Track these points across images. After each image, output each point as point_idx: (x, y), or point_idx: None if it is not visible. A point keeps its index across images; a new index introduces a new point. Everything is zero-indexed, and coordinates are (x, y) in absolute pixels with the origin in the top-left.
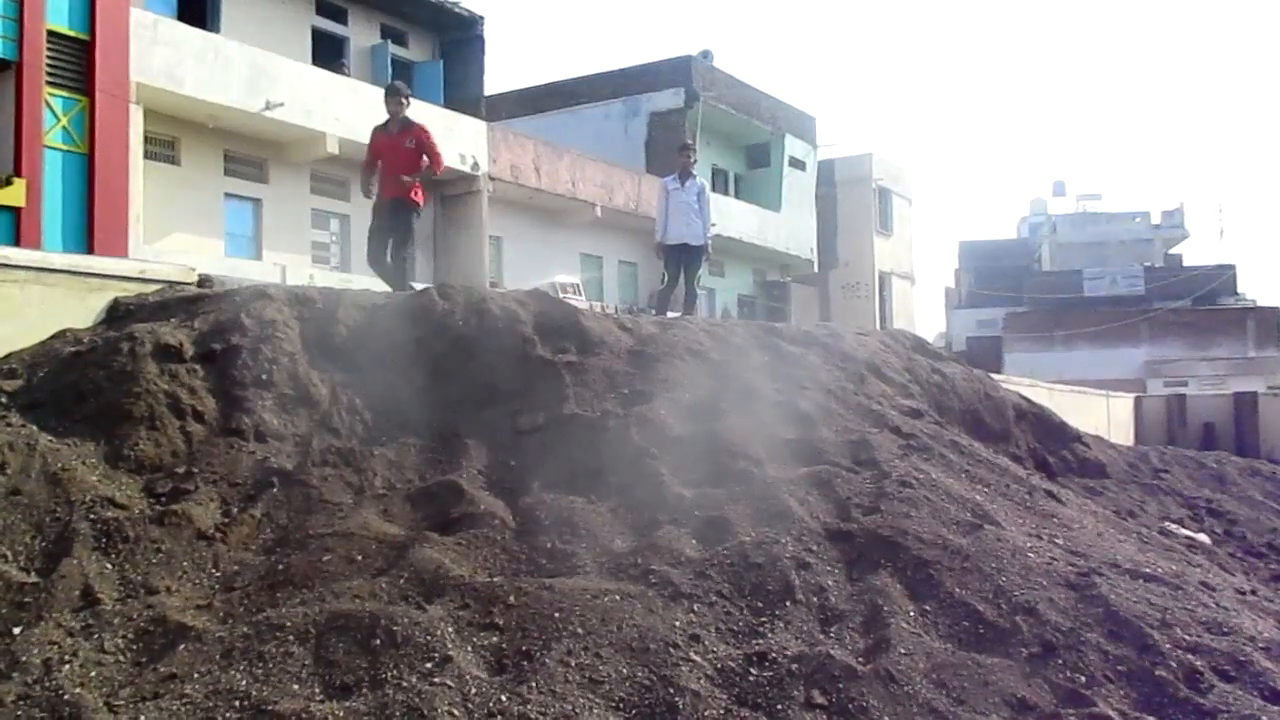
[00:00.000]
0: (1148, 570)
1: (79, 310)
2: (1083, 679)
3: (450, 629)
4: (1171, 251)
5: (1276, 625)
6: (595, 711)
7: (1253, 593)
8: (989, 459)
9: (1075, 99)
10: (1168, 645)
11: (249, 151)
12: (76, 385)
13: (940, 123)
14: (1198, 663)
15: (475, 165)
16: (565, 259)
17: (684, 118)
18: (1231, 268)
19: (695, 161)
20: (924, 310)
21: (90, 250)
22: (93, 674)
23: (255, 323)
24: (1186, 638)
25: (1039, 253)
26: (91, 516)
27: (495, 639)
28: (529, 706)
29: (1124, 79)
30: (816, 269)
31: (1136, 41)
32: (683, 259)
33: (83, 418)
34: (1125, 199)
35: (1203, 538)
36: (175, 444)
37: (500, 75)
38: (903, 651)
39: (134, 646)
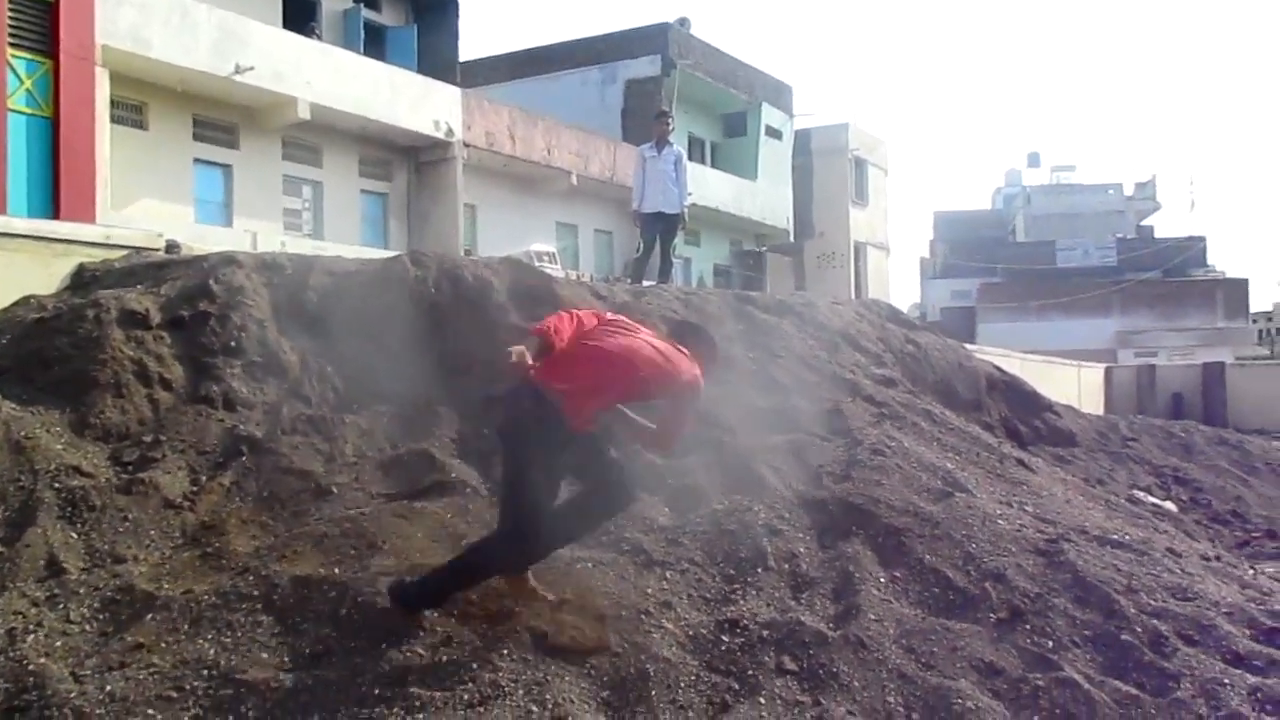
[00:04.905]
0: (1115, 537)
1: (43, 276)
2: (1050, 644)
3: None
4: (1143, 223)
5: (1239, 590)
6: (566, 679)
7: (1217, 559)
8: (961, 427)
9: (1050, 71)
10: (1133, 610)
11: (219, 116)
12: (41, 352)
13: (916, 94)
14: (1162, 627)
15: (450, 132)
16: (541, 227)
17: (660, 85)
18: (1202, 239)
19: (673, 129)
20: (899, 280)
21: (56, 216)
22: (58, 644)
23: (224, 289)
24: (1152, 603)
25: (1013, 224)
26: (56, 485)
27: (467, 606)
28: (500, 674)
29: (1098, 52)
30: (792, 239)
31: (1111, 15)
32: (659, 227)
33: (47, 385)
34: (1098, 171)
35: (1169, 505)
36: (142, 412)
37: (475, 41)
38: (873, 618)
39: (100, 616)
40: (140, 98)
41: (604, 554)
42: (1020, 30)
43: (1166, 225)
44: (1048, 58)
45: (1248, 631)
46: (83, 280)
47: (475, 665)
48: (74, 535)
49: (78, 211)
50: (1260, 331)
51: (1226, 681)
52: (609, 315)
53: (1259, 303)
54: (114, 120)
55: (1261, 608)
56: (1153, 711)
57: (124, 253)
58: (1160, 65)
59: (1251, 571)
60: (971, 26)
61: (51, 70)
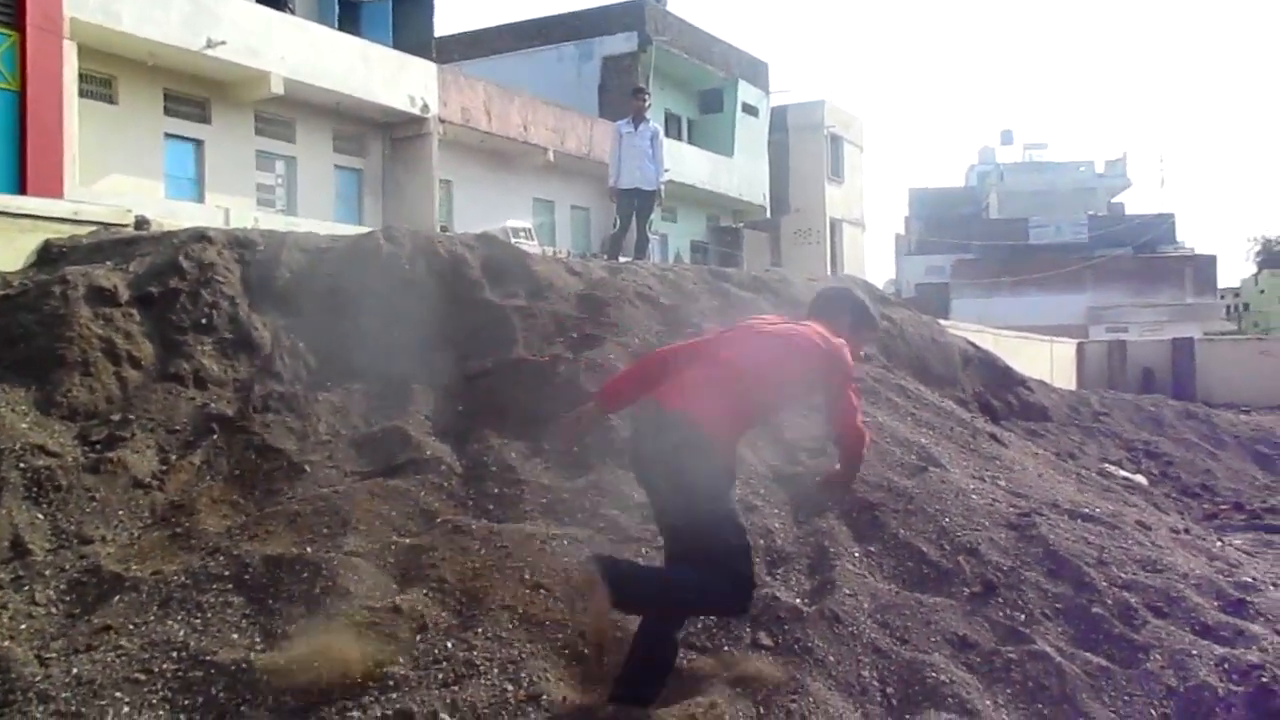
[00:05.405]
0: (1086, 510)
1: (8, 252)
2: (1022, 617)
3: (395, 575)
4: (1114, 200)
5: (1208, 562)
6: (541, 656)
7: (1186, 531)
8: (935, 403)
9: (1023, 49)
10: (1104, 583)
11: (190, 91)
12: (6, 330)
13: (892, 72)
14: (1132, 599)
15: (425, 108)
16: (517, 203)
17: (637, 62)
18: (1171, 216)
19: (649, 106)
20: (874, 257)
21: (23, 191)
22: (23, 627)
23: (194, 266)
24: (1122, 575)
25: (987, 201)
26: (21, 465)
27: (441, 585)
28: (475, 653)
29: (1070, 30)
30: (768, 215)
31: None
32: (635, 203)
33: (12, 363)
34: (1070, 148)
35: (1140, 479)
36: (110, 390)
37: (451, 16)
38: (847, 592)
39: (67, 598)
40: (110, 71)
41: (580, 530)
42: (994, 8)
43: (1137, 202)
44: (1021, 35)
45: (1216, 603)
46: (50, 256)
47: (450, 644)
48: (40, 515)
49: (45, 186)
50: (1228, 307)
51: (1195, 653)
52: (723, 330)
53: (1226, 279)
54: (83, 94)
55: (1229, 579)
56: (1123, 683)
57: (92, 228)
58: (1131, 44)
59: (1220, 543)
60: (946, 4)
61: (18, 43)
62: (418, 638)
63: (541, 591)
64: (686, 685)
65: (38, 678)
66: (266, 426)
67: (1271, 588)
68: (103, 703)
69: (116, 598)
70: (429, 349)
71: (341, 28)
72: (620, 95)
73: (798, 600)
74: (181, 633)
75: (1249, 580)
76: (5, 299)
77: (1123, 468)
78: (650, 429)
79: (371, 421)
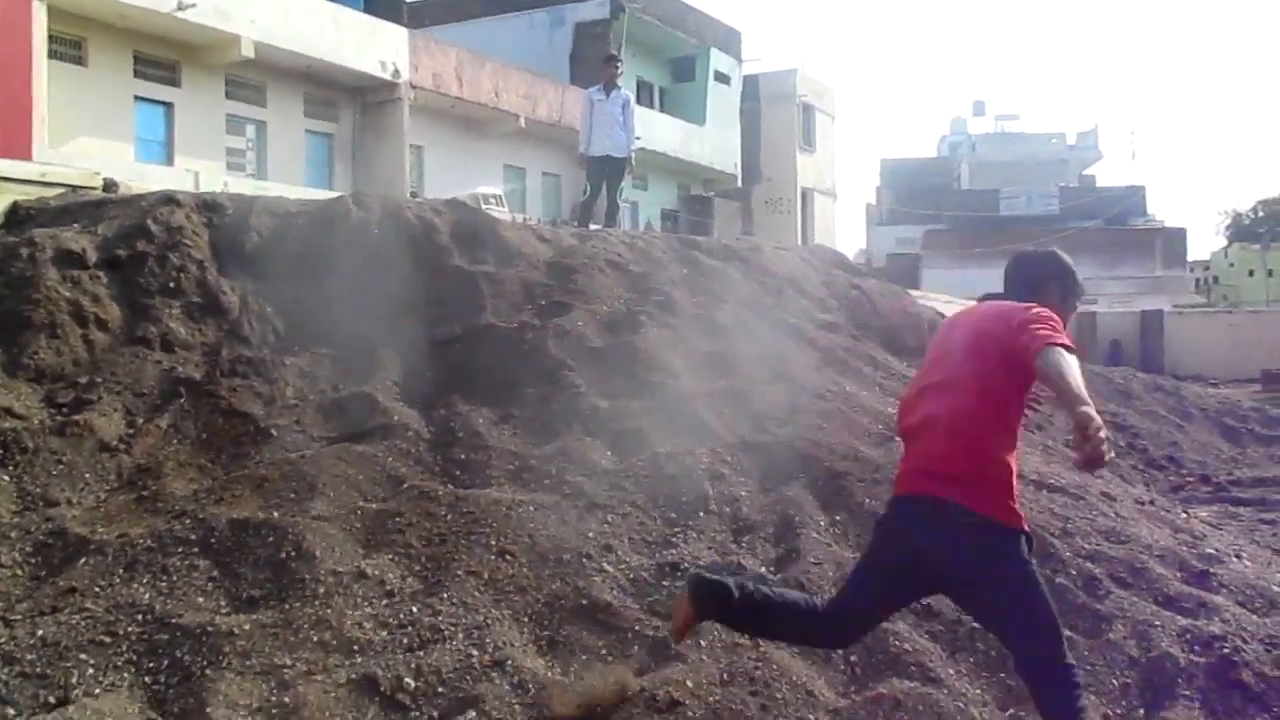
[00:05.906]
0: (1052, 481)
1: None
2: None
3: (361, 540)
4: (1085, 172)
5: (1172, 534)
6: (506, 622)
7: (1150, 503)
8: (903, 373)
9: (996, 20)
10: (1068, 553)
11: (160, 53)
12: None
13: (864, 41)
14: (1096, 570)
15: (396, 73)
16: (488, 170)
17: (609, 29)
18: (1142, 189)
19: (621, 74)
20: (845, 227)
21: None
22: None
23: (162, 229)
24: (1086, 546)
25: (958, 171)
26: None
27: (407, 550)
28: (440, 618)
29: (1044, 1)
30: (740, 184)
31: None
32: (606, 171)
33: None
34: (1042, 120)
35: None
36: (77, 353)
37: None
38: (813, 561)
39: (32, 560)
40: (79, 33)
41: (546, 497)
42: None
43: (1108, 174)
44: (993, 6)
45: (1179, 574)
46: (17, 218)
47: (415, 609)
48: (5, 478)
49: (13, 149)
50: (1197, 280)
51: (1157, 623)
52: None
53: (1196, 252)
54: (52, 56)
55: (1193, 551)
56: (1086, 653)
57: (60, 191)
58: (1103, 15)
59: (1184, 515)
60: None
61: None
62: (383, 602)
63: (507, 557)
64: (656, 652)
65: (2, 639)
66: (234, 390)
67: (1235, 559)
68: (68, 664)
69: (82, 560)
70: (397, 315)
71: None
72: (592, 62)
73: (764, 568)
74: (147, 596)
75: (1212, 552)
76: None
77: None
78: (925, 523)
79: (339, 387)
